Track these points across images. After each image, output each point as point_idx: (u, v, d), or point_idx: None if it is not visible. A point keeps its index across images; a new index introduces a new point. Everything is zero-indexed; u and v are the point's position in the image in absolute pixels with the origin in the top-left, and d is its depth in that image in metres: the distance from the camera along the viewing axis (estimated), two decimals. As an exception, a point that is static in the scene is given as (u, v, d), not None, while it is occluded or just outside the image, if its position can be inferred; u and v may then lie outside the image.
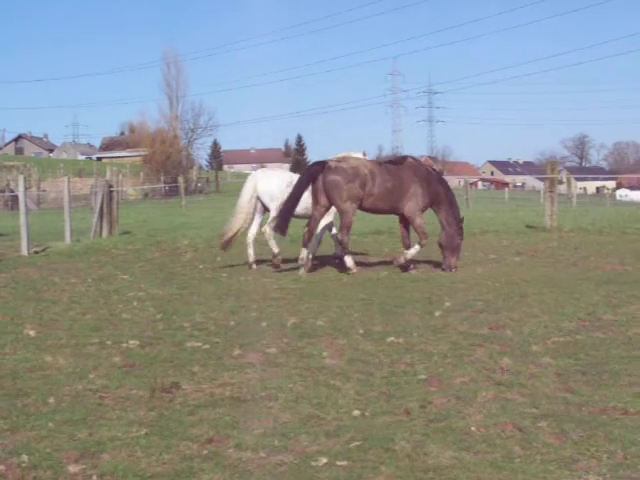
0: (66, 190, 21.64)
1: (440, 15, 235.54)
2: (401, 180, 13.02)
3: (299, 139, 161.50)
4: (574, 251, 15.63)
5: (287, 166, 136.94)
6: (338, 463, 4.41)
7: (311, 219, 13.08)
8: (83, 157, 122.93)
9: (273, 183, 13.75)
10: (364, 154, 14.63)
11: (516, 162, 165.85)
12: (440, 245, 13.32)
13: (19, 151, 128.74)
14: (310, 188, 12.95)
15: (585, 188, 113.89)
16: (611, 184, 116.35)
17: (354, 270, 12.73)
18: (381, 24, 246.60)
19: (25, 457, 4.53)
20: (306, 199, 13.17)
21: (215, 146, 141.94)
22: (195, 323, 8.63)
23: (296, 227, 15.03)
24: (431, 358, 6.78)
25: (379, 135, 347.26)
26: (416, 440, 4.73)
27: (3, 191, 47.23)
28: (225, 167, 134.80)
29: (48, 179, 68.32)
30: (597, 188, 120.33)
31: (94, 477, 4.29)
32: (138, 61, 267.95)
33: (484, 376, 6.14)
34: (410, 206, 13.08)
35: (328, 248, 15.25)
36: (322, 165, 12.96)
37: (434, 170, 13.96)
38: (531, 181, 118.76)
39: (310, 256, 13.41)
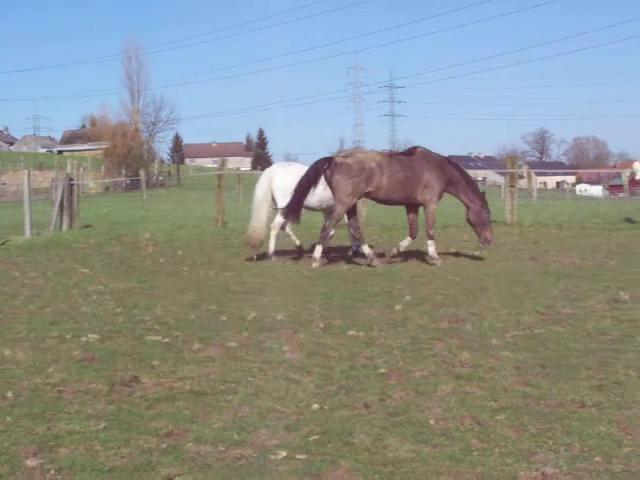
0: (26, 183, 21.45)
1: (400, 10, 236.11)
2: (413, 170, 13.14)
3: (261, 133, 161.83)
4: (534, 245, 15.81)
5: (248, 160, 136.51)
6: (297, 457, 4.40)
7: (348, 214, 13.39)
8: (44, 150, 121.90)
9: (289, 179, 13.73)
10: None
11: (477, 157, 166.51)
12: (470, 223, 13.69)
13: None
14: (324, 182, 13.10)
15: (545, 183, 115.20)
16: (571, 179, 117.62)
17: (317, 264, 12.77)
18: (342, 18, 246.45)
19: (-19, 452, 4.47)
20: (320, 192, 13.27)
21: (177, 140, 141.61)
22: (155, 317, 8.57)
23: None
24: (391, 352, 6.79)
25: (341, 129, 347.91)
26: (375, 433, 4.75)
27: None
28: (187, 161, 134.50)
29: (8, 172, 67.72)
30: (557, 183, 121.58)
31: (52, 471, 4.25)
32: (100, 54, 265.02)
33: (443, 370, 6.17)
34: (426, 193, 13.22)
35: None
36: (328, 161, 13.10)
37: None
38: (492, 176, 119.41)
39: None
